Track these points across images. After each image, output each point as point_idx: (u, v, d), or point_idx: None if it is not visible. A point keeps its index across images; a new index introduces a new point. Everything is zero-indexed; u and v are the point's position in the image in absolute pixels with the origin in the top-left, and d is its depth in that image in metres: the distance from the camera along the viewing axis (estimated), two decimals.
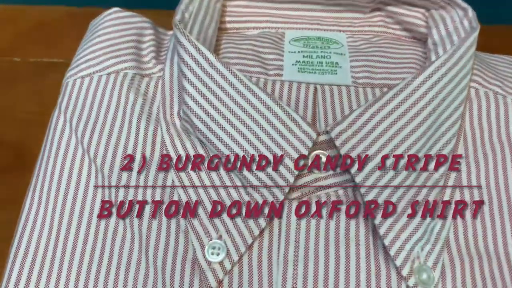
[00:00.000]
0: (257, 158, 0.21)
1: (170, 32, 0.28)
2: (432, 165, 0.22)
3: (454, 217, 0.22)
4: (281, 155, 0.21)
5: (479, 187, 0.23)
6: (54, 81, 0.31)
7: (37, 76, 0.31)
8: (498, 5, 0.36)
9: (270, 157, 0.21)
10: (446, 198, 0.22)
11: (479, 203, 0.22)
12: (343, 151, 0.21)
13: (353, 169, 0.21)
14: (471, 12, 0.26)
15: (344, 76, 0.26)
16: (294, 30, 0.29)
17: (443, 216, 0.22)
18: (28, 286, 0.20)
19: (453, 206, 0.22)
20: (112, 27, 0.26)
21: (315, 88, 0.25)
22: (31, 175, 0.24)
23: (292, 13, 0.29)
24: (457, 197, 0.22)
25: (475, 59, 0.26)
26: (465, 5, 0.26)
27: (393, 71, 0.26)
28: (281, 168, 0.21)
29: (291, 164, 0.21)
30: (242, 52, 0.27)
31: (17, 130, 0.29)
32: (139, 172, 0.23)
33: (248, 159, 0.21)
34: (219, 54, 0.27)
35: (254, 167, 0.21)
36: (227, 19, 0.29)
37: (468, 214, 0.22)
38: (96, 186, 0.22)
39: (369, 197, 0.20)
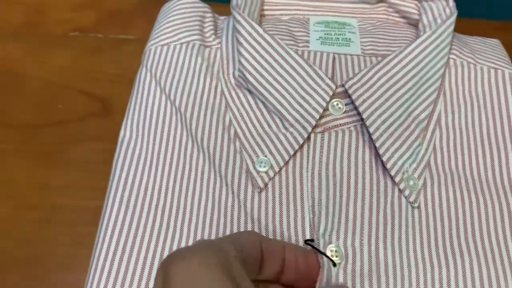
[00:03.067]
0: (292, 102, 0.30)
1: (222, 17, 0.37)
2: (419, 109, 0.30)
3: (434, 147, 0.30)
4: (309, 101, 0.29)
5: (453, 127, 0.31)
6: (128, 52, 0.40)
7: (115, 48, 0.40)
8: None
9: (302, 102, 0.30)
10: (428, 133, 0.31)
11: (453, 137, 0.31)
12: (354, 97, 0.29)
13: (361, 109, 0.29)
14: (451, 2, 0.34)
15: (356, 48, 0.35)
16: (317, 16, 0.38)
17: (426, 145, 0.30)
18: (133, 186, 0.29)
19: (434, 138, 0.31)
20: (182, 9, 0.35)
21: (334, 56, 0.34)
22: (116, 118, 0.32)
23: (315, 3, 0.38)
24: (437, 133, 0.31)
25: (456, 38, 0.35)
26: None
27: (392, 45, 0.35)
28: (310, 110, 0.29)
29: (317, 107, 0.29)
30: (279, 31, 0.35)
31: (102, 87, 0.38)
32: (205, 112, 0.31)
33: (286, 103, 0.30)
34: None
35: (290, 108, 0.30)
36: (266, 7, 0.38)
37: (444, 144, 0.31)
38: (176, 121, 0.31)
39: (372, 128, 0.29)
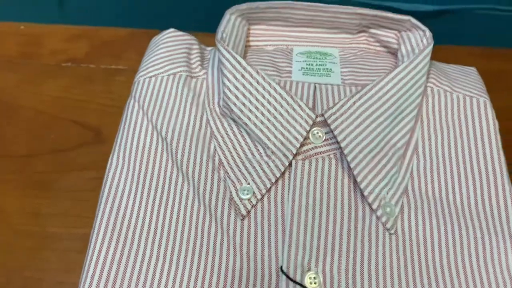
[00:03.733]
0: (274, 131, 0.31)
1: (209, 48, 0.39)
2: (397, 137, 0.32)
3: (411, 173, 0.31)
4: (291, 130, 0.31)
5: (430, 154, 0.32)
6: (120, 82, 0.42)
7: (108, 78, 0.42)
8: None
9: (283, 131, 0.31)
10: (406, 160, 0.32)
11: (430, 164, 0.32)
12: (332, 127, 0.31)
13: (339, 138, 0.30)
14: (428, 33, 0.35)
15: (336, 78, 0.36)
16: (300, 47, 0.39)
17: (403, 173, 0.31)
18: (118, 214, 0.30)
19: (411, 165, 0.32)
20: (170, 42, 0.37)
21: (315, 86, 0.35)
22: (107, 146, 0.33)
23: (299, 34, 0.39)
24: (415, 160, 0.32)
25: (433, 67, 0.36)
26: (424, 27, 0.36)
27: (372, 74, 0.36)
28: (291, 139, 0.31)
29: (298, 136, 0.31)
30: (263, 62, 0.37)
31: (94, 117, 0.39)
32: (191, 141, 0.32)
33: (268, 132, 0.31)
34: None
35: (272, 137, 0.31)
36: (251, 38, 0.39)
37: (421, 170, 0.32)
38: (162, 150, 0.32)
39: (350, 156, 0.30)
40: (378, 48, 0.39)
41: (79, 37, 0.44)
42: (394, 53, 0.39)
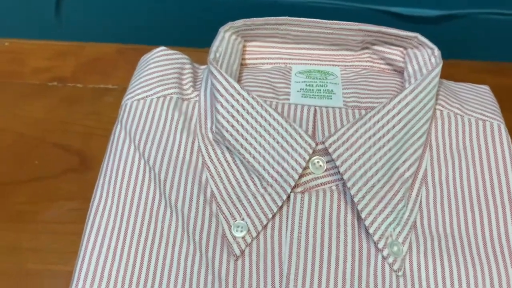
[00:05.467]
0: (271, 161, 0.29)
1: (203, 67, 0.36)
2: (404, 167, 0.29)
3: (420, 206, 0.29)
4: (289, 160, 0.28)
5: (440, 184, 0.30)
6: (108, 102, 0.39)
7: (95, 99, 0.39)
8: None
9: (281, 160, 0.28)
10: (414, 192, 0.29)
11: (440, 195, 0.29)
12: (334, 156, 0.28)
13: (342, 169, 0.28)
14: (436, 51, 0.33)
15: (338, 100, 0.33)
16: (299, 65, 0.37)
17: (411, 206, 0.29)
18: (101, 253, 0.27)
19: (419, 197, 0.29)
20: (160, 62, 0.34)
21: (315, 110, 0.33)
22: (93, 174, 0.31)
23: (297, 51, 0.37)
24: (423, 192, 0.29)
25: (442, 86, 0.34)
26: (432, 45, 0.33)
27: (376, 96, 0.34)
28: (289, 169, 0.28)
29: (296, 166, 0.28)
30: (259, 82, 0.34)
31: (81, 141, 0.37)
32: (181, 171, 0.30)
33: (264, 161, 0.29)
34: (241, 84, 0.35)
35: (268, 167, 0.29)
36: (247, 56, 0.37)
37: (431, 203, 0.29)
38: (149, 181, 0.30)
39: (354, 190, 0.28)
40: (383, 66, 0.37)
41: (66, 54, 0.42)
42: (400, 71, 0.36)
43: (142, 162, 0.30)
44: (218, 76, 0.30)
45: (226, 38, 0.34)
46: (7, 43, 0.43)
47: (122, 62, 0.41)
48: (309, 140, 0.28)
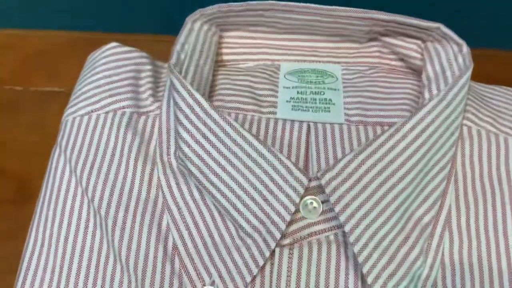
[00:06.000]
0: (250, 204, 0.22)
1: (167, 65, 0.29)
2: (422, 209, 0.22)
3: (442, 260, 0.22)
4: (273, 202, 0.21)
5: (468, 229, 0.23)
6: (54, 111, 0.32)
7: (38, 106, 0.32)
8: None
9: (263, 204, 0.22)
10: (434, 242, 0.23)
11: (468, 246, 0.23)
12: (332, 199, 0.21)
13: (342, 218, 0.21)
14: (465, 48, 0.25)
15: (338, 113, 0.26)
16: (289, 63, 0.29)
17: (431, 261, 0.22)
18: None
19: (441, 248, 0.23)
20: (109, 63, 0.27)
21: (308, 127, 0.26)
22: (32, 207, 0.25)
23: (288, 43, 0.29)
24: (446, 240, 0.23)
25: (469, 92, 0.26)
26: (460, 40, 0.26)
27: (387, 107, 0.26)
28: (273, 216, 0.21)
29: (283, 212, 0.21)
30: (237, 89, 0.27)
31: (19, 161, 0.30)
32: (135, 214, 0.23)
33: (242, 205, 0.22)
34: (215, 89, 0.27)
35: (246, 213, 0.22)
36: (224, 51, 0.29)
37: (455, 256, 0.23)
38: (94, 228, 0.23)
39: (358, 246, 0.21)
40: (394, 63, 0.29)
41: (3, 47, 0.34)
42: (416, 70, 0.28)
43: (85, 202, 0.24)
44: (181, 90, 0.23)
45: (195, 29, 0.27)
46: None
47: (72, 56, 0.33)
48: (300, 176, 0.22)
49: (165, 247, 0.23)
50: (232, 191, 0.22)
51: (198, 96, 0.23)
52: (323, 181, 0.21)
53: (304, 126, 0.26)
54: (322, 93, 0.27)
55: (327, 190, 0.21)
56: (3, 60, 0.34)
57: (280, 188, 0.22)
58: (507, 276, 0.22)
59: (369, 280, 0.21)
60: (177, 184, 0.24)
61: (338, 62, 0.29)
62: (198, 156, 0.23)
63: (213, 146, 0.22)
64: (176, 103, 0.23)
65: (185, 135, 0.23)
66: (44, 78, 0.32)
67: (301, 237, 0.22)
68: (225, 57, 0.29)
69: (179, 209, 0.23)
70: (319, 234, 0.22)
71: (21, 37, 0.34)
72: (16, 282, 0.23)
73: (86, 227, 0.23)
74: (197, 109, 0.23)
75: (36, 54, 0.34)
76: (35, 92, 0.32)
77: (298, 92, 0.27)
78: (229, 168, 0.22)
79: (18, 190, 0.29)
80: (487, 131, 0.25)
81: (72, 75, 0.32)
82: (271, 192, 0.22)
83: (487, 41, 0.35)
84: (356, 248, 0.21)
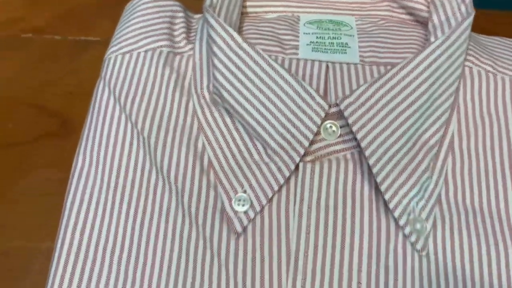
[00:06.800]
0: (277, 126, 0.25)
1: (197, 16, 0.32)
2: (429, 133, 0.25)
3: (445, 178, 0.26)
4: (298, 124, 0.24)
5: (469, 152, 0.26)
6: (91, 57, 0.35)
7: (76, 53, 0.35)
8: None
9: (288, 125, 0.25)
10: (439, 161, 0.26)
11: (468, 165, 0.26)
12: (350, 121, 0.24)
13: (359, 136, 0.24)
14: None
15: (353, 55, 0.29)
16: (308, 14, 0.32)
17: (436, 177, 0.25)
18: (85, 228, 0.24)
19: (445, 167, 0.26)
20: (147, 10, 0.30)
21: (327, 66, 0.29)
22: (74, 138, 0.27)
23: None
24: (449, 161, 0.26)
25: (471, 40, 0.29)
26: None
27: (396, 50, 0.29)
28: (298, 135, 0.24)
29: (306, 132, 0.24)
30: (262, 34, 0.30)
31: (60, 100, 0.33)
32: (174, 135, 0.26)
33: (270, 126, 0.25)
34: (241, 35, 0.30)
35: (274, 133, 0.25)
36: (248, 3, 0.32)
37: (458, 174, 0.26)
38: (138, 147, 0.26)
39: (372, 160, 0.24)
40: (403, 16, 0.32)
41: (41, 2, 0.37)
42: (423, 22, 0.32)
43: (129, 125, 0.26)
44: (216, 26, 0.26)
45: None
46: None
47: (106, 11, 0.36)
48: (321, 102, 0.25)
49: (201, 163, 0.26)
50: (261, 114, 0.25)
51: (231, 30, 0.26)
52: (342, 106, 0.24)
53: (323, 65, 0.29)
54: (339, 38, 0.30)
55: (346, 113, 0.24)
56: (40, 13, 0.36)
57: (303, 111, 0.25)
58: (501, 187, 0.25)
59: (383, 188, 0.24)
60: (210, 112, 0.27)
61: (353, 15, 0.32)
62: (231, 83, 0.25)
63: (244, 74, 0.25)
64: (211, 37, 0.26)
65: (219, 65, 0.26)
66: (81, 29, 0.35)
67: (321, 155, 0.25)
68: (249, 10, 0.32)
69: (213, 132, 0.26)
70: (338, 153, 0.25)
71: None
72: (65, 200, 0.25)
73: (131, 146, 0.26)
74: (230, 42, 0.26)
75: (73, 7, 0.36)
76: (73, 41, 0.35)
77: (317, 37, 0.30)
78: (258, 93, 0.25)
79: (62, 125, 0.32)
80: (486, 72, 0.28)
81: (107, 26, 0.35)
82: (295, 115, 0.25)
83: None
84: (371, 161, 0.24)
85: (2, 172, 0.30)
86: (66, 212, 0.25)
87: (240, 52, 0.25)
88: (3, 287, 0.28)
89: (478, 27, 0.31)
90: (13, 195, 0.30)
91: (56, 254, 0.24)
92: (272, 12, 0.32)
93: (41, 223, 0.28)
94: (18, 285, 0.27)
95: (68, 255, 0.23)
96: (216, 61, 0.26)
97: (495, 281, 0.23)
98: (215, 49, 0.26)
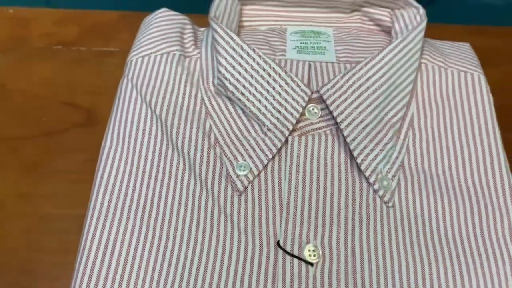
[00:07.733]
0: (270, 108, 0.31)
1: (202, 29, 0.38)
2: (392, 112, 0.32)
3: (407, 148, 0.32)
4: (286, 106, 0.31)
5: (426, 129, 0.32)
6: (111, 64, 0.41)
7: (98, 61, 0.41)
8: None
9: (279, 107, 0.31)
10: (402, 135, 0.32)
11: (426, 139, 0.32)
12: (328, 103, 0.30)
13: (335, 114, 0.30)
14: (421, 10, 0.35)
15: (330, 56, 0.36)
16: (293, 26, 0.39)
17: (399, 147, 0.31)
18: (114, 189, 0.29)
19: (407, 140, 0.32)
20: (162, 22, 0.36)
21: (309, 64, 0.35)
22: (100, 127, 0.33)
23: (292, 14, 0.39)
24: (410, 135, 0.32)
25: (426, 44, 0.36)
26: (417, 5, 0.36)
27: (366, 52, 0.36)
28: (287, 115, 0.30)
29: (294, 112, 0.30)
30: (256, 40, 0.37)
31: (86, 98, 0.39)
32: (186, 118, 0.32)
33: (265, 109, 0.31)
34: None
35: (267, 114, 0.31)
36: (244, 19, 0.39)
37: (417, 146, 0.32)
38: (156, 129, 0.32)
39: (347, 131, 0.30)
40: (372, 27, 0.39)
41: (68, 20, 0.43)
42: (388, 31, 0.38)
43: (149, 111, 0.32)
44: (219, 30, 0.32)
45: (223, 1, 0.36)
46: (11, 11, 0.44)
47: (123, 27, 0.43)
48: (305, 89, 0.31)
49: (209, 140, 0.31)
50: (257, 98, 0.31)
51: (232, 34, 0.32)
52: (321, 92, 0.31)
53: (306, 63, 0.35)
54: (319, 43, 0.37)
55: (325, 97, 0.30)
56: (69, 29, 0.43)
57: (291, 96, 0.31)
58: (452, 155, 0.31)
59: (355, 153, 0.30)
60: (216, 100, 0.33)
61: (330, 26, 0.39)
62: (232, 75, 0.32)
63: (243, 67, 0.31)
64: (215, 39, 0.33)
65: (222, 61, 0.32)
66: (102, 42, 0.42)
67: (306, 131, 0.31)
68: (245, 23, 0.39)
69: (217, 115, 0.32)
70: (320, 130, 0.31)
71: (83, 14, 0.44)
72: (97, 170, 0.30)
73: (151, 128, 0.32)
74: (231, 42, 0.32)
75: (96, 25, 0.43)
76: (96, 52, 0.41)
77: (301, 43, 0.37)
78: (254, 82, 0.31)
79: (88, 117, 0.38)
80: (438, 66, 0.35)
81: (124, 39, 0.42)
82: (284, 99, 0.31)
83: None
84: (345, 133, 0.30)
85: (38, 155, 0.36)
86: (97, 183, 0.30)
87: (239, 50, 0.32)
88: (37, 245, 0.32)
89: (435, 37, 0.38)
90: (48, 173, 0.35)
91: (90, 212, 0.28)
92: (264, 25, 0.39)
93: (73, 194, 0.34)
94: (52, 243, 0.32)
95: (100, 211, 0.28)
96: (220, 58, 0.32)
97: (448, 224, 0.29)
98: (219, 48, 0.32)
